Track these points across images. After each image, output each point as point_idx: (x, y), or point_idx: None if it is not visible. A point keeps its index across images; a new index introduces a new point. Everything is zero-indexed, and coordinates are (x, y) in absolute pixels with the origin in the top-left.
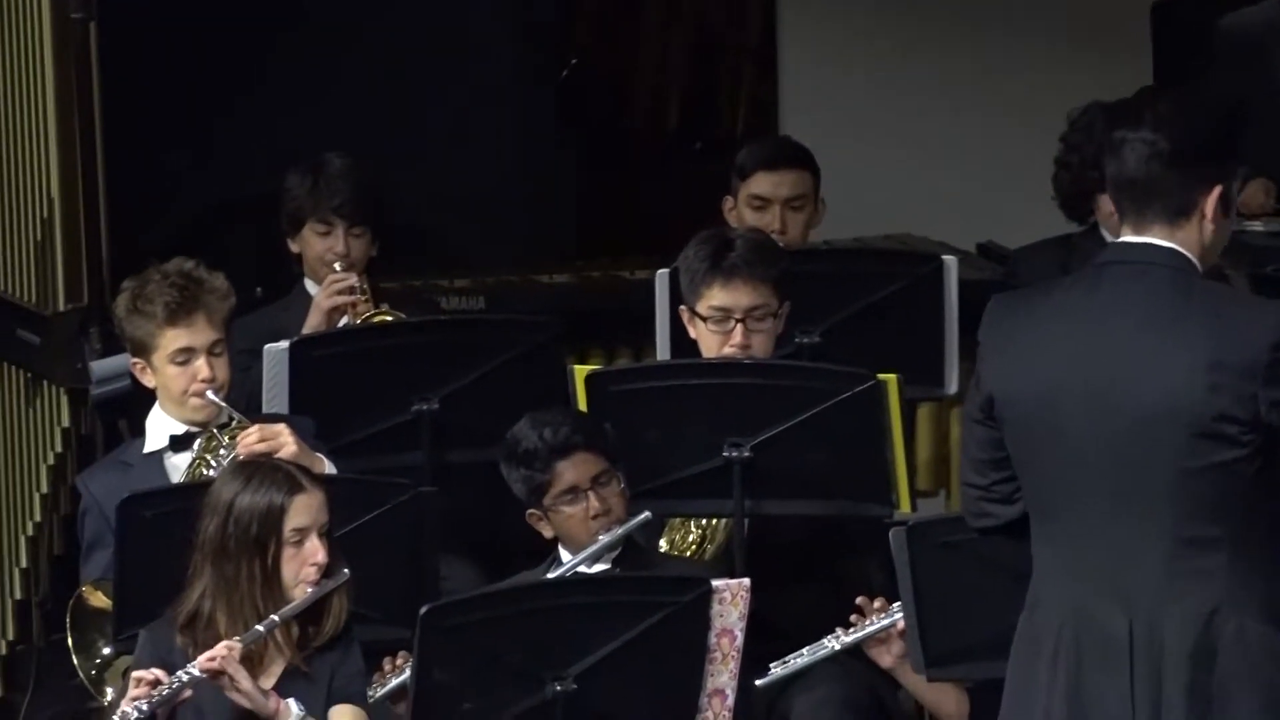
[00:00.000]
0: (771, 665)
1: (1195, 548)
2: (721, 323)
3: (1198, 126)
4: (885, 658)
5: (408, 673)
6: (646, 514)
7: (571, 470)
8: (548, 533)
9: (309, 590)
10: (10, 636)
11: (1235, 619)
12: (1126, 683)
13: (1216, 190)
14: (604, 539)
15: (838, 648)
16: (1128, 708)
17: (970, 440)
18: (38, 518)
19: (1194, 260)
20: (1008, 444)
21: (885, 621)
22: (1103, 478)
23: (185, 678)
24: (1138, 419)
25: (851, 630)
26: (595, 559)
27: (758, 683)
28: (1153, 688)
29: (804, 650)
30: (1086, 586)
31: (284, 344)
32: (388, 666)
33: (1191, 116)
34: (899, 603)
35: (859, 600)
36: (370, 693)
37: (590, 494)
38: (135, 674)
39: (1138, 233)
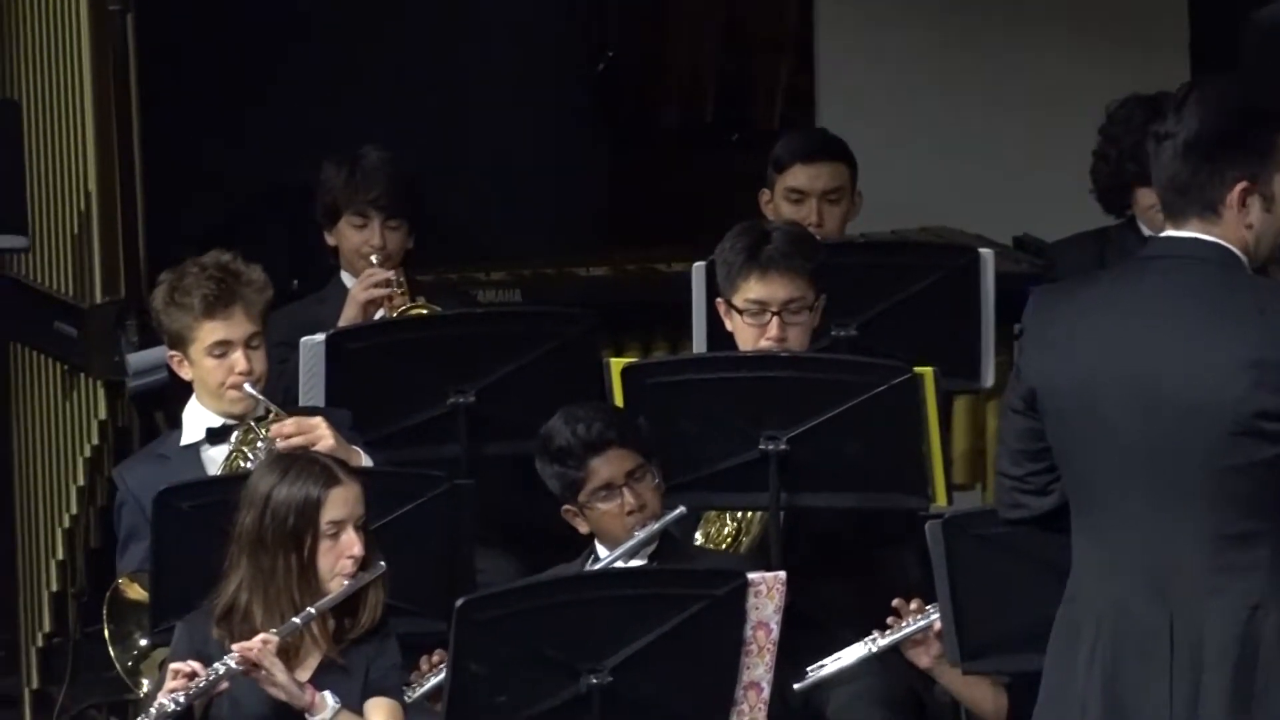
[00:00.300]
0: (808, 669)
1: (1236, 543)
2: (758, 315)
3: (1217, 120)
4: (923, 658)
5: (444, 671)
6: (681, 509)
7: (606, 467)
8: (583, 528)
9: (345, 583)
10: (47, 629)
11: (1276, 614)
12: (1166, 677)
13: (1240, 185)
14: (640, 534)
15: (875, 650)
16: (1166, 702)
17: (1008, 431)
18: (74, 510)
19: (1239, 255)
20: (1049, 436)
21: (922, 623)
22: (1143, 472)
23: (221, 670)
24: (1178, 414)
25: (888, 632)
26: (631, 555)
27: (795, 686)
28: (1192, 683)
29: (840, 653)
30: (1126, 580)
31: (320, 336)
32: (425, 666)
33: (1212, 110)
34: (935, 604)
35: (895, 602)
36: (408, 691)
37: (625, 490)
38: (172, 666)
39: (1176, 228)
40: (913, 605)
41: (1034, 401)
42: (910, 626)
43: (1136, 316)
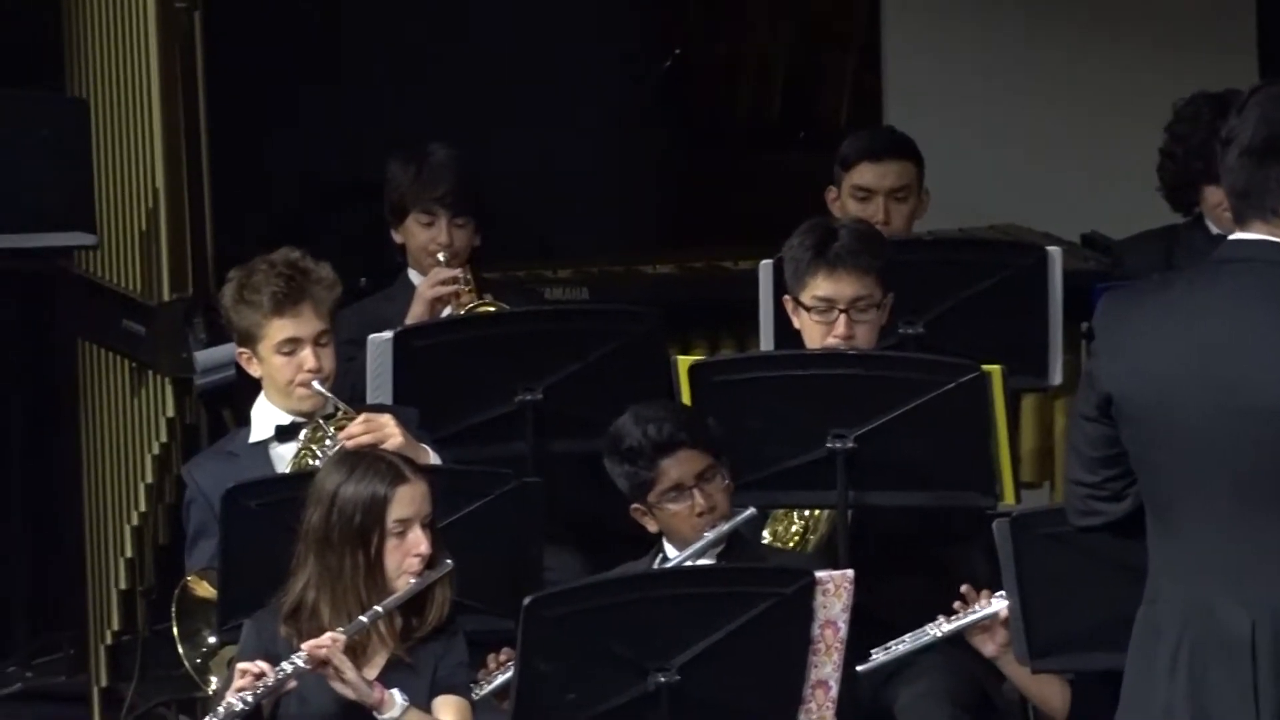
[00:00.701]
0: (874, 651)
1: None
2: (825, 313)
3: (1270, 125)
4: (988, 646)
5: (512, 670)
6: (751, 510)
7: (676, 468)
8: (652, 527)
9: (412, 581)
10: (115, 626)
11: None
12: (1249, 682)
13: None
14: (709, 535)
15: (940, 635)
16: (1251, 707)
17: (1080, 437)
18: (143, 508)
19: None
20: (1125, 441)
21: (988, 610)
22: (1224, 475)
23: (289, 668)
24: (1256, 416)
25: (954, 618)
26: (699, 555)
27: (859, 668)
28: (1276, 687)
29: (906, 637)
30: (1208, 584)
31: (388, 334)
32: (492, 664)
33: (1268, 115)
34: (1002, 591)
35: (963, 588)
36: (475, 689)
37: (695, 491)
38: (239, 665)
39: (1243, 230)
40: (980, 593)
41: (1108, 408)
42: (977, 613)
43: (1210, 319)
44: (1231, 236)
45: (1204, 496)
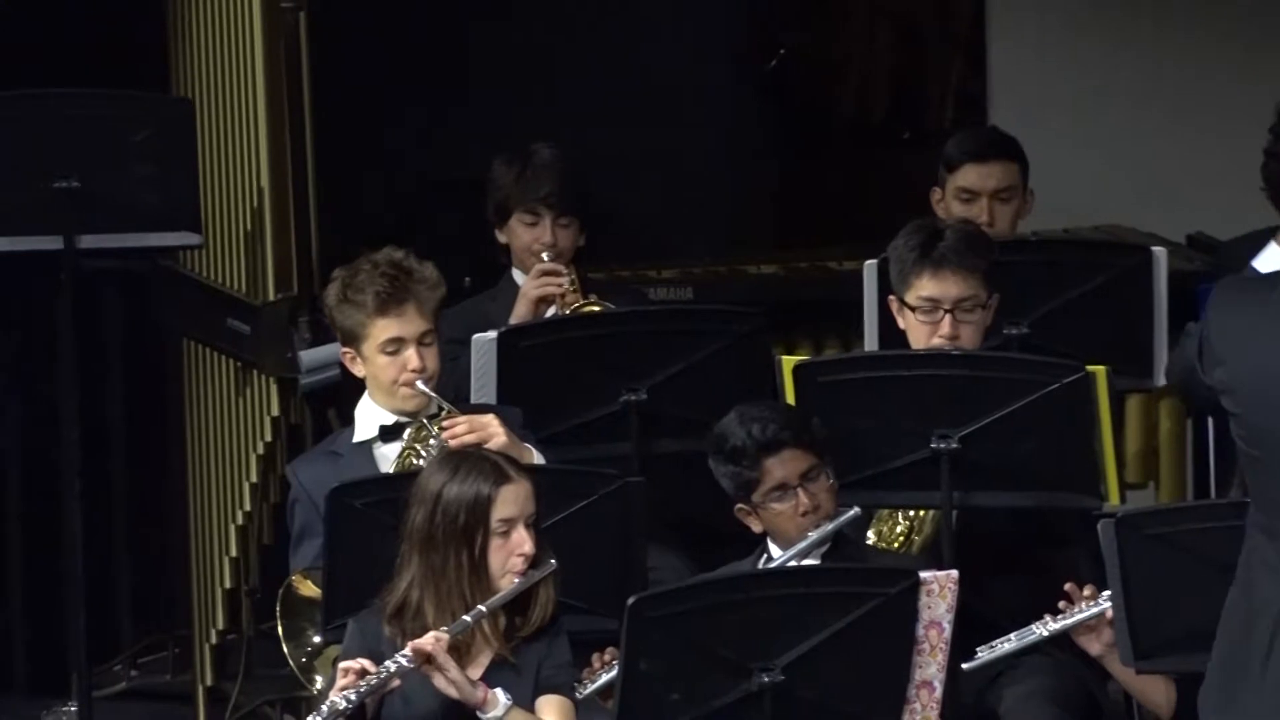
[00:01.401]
0: (978, 649)
1: None
2: (930, 313)
3: None
4: (1094, 645)
5: (616, 669)
6: (856, 510)
7: (780, 468)
8: (756, 527)
9: (516, 581)
10: (220, 625)
11: None
12: None
13: None
14: (813, 535)
15: (1045, 634)
16: None
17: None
18: (247, 507)
19: None
20: (1233, 434)
21: (1094, 610)
22: None
23: (394, 667)
24: None
25: (1060, 617)
26: (804, 555)
27: (964, 666)
28: None
29: (1011, 636)
30: None
31: (492, 334)
32: (596, 663)
33: None
34: (1108, 591)
35: (1068, 586)
36: (579, 689)
37: (799, 490)
38: (343, 664)
39: None
40: (1085, 592)
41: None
42: (1082, 612)
43: None
44: None
45: None
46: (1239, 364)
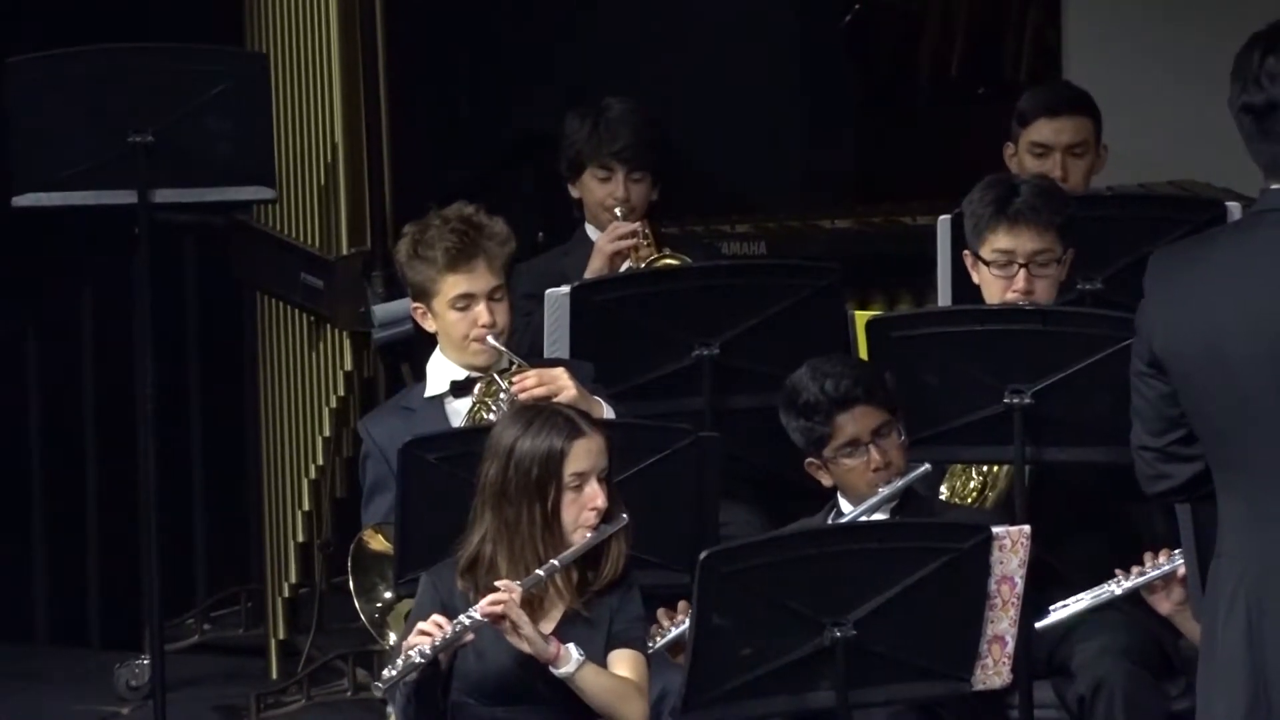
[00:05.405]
0: (1051, 608)
1: None
2: (1005, 267)
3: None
4: (1164, 604)
5: (686, 624)
6: (926, 466)
7: (852, 423)
8: (827, 482)
9: (588, 535)
10: (293, 579)
11: None
12: None
13: None
14: (884, 491)
15: (1118, 592)
16: None
17: (1140, 400)
18: (320, 461)
19: None
20: (1180, 398)
21: (1166, 567)
22: (1276, 422)
23: (467, 622)
24: None
25: (1133, 575)
26: (874, 511)
27: (1037, 625)
28: None
29: (1084, 594)
30: (1268, 534)
31: (565, 289)
32: (667, 620)
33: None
34: (1180, 550)
35: (1146, 555)
36: (651, 643)
37: (871, 447)
38: (416, 619)
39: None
40: (1160, 556)
41: (1160, 364)
42: (1154, 570)
43: (1251, 269)
44: (1271, 186)
45: (1257, 448)
46: (1180, 323)
